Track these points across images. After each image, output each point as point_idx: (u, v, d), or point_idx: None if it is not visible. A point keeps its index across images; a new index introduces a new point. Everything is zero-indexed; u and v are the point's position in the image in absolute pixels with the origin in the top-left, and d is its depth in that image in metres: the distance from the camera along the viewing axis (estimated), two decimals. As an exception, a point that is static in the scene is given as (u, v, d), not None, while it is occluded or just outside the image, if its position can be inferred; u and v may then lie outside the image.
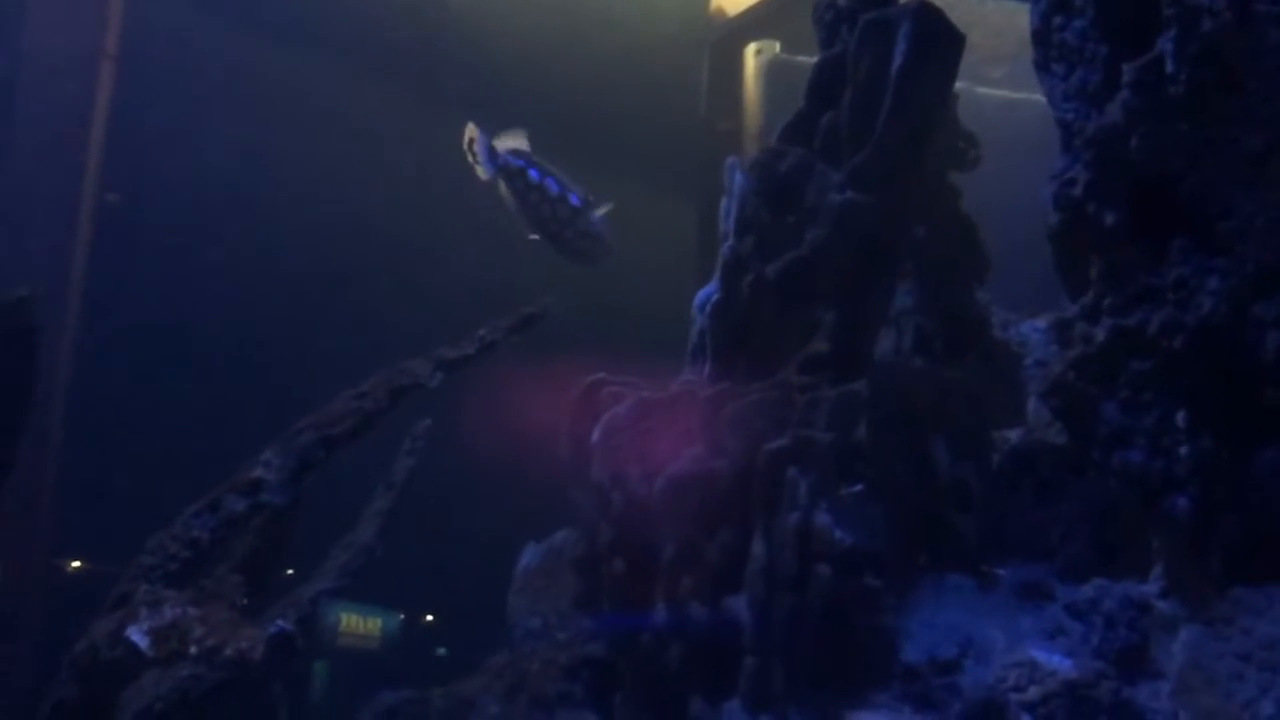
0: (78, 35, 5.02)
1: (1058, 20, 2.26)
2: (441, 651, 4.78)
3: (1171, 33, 2.00)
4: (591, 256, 2.94)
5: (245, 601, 2.09)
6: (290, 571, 2.84)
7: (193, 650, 1.82)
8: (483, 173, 2.97)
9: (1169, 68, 2.01)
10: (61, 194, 4.97)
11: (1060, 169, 2.23)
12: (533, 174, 2.94)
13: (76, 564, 5.09)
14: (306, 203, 6.04)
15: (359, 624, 4.34)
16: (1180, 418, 2.04)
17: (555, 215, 2.90)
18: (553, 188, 2.94)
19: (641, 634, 2.26)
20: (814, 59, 2.63)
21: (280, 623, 1.82)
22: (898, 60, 2.32)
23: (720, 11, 5.95)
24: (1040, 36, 2.31)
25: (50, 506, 4.65)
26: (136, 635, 1.87)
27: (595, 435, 2.34)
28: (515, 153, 2.96)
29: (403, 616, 4.59)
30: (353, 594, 3.26)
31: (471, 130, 2.99)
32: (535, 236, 2.93)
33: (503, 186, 2.99)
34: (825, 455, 2.19)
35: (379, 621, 4.43)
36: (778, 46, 5.73)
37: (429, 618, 5.12)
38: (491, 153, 2.97)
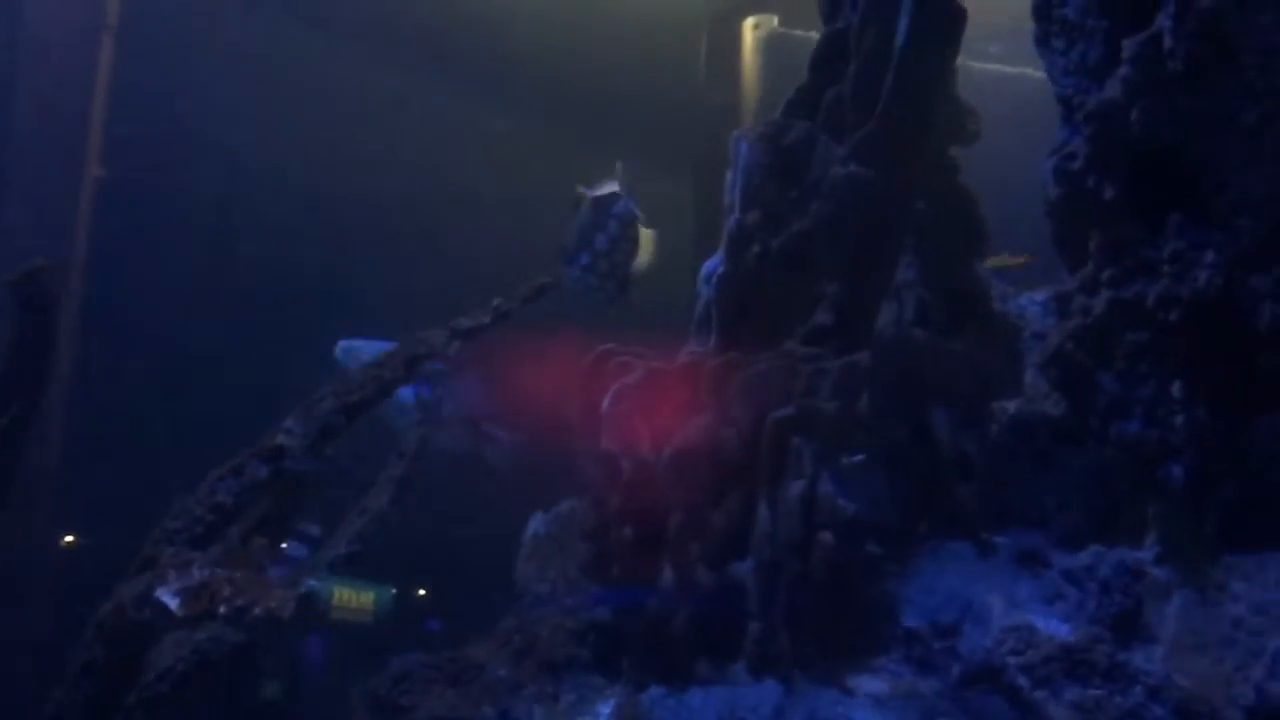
0: (78, 8, 5.01)
1: (1059, -3, 2.28)
2: (434, 625, 4.80)
3: (1170, 9, 2.03)
4: (609, 298, 2.78)
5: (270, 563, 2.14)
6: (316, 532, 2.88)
7: (222, 610, 1.87)
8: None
9: (1167, 43, 2.03)
10: (62, 165, 4.98)
11: (1060, 143, 2.26)
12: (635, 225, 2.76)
13: (70, 539, 5.11)
14: (308, 175, 6.04)
15: (352, 598, 4.36)
16: (1176, 388, 2.08)
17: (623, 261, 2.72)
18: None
19: (649, 599, 2.30)
20: (811, 33, 2.65)
21: (310, 582, 1.86)
22: (901, 35, 2.35)
23: (719, -15, 5.96)
24: (1041, 12, 2.33)
25: (55, 477, 4.69)
26: (167, 596, 1.92)
27: (604, 405, 2.37)
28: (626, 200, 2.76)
29: (395, 591, 4.61)
30: (346, 568, 3.29)
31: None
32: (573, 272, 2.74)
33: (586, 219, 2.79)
34: (829, 425, 2.23)
35: (372, 595, 4.45)
36: (775, 21, 5.75)
37: (421, 592, 5.14)
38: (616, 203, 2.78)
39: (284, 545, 2.83)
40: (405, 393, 3.18)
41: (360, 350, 3.14)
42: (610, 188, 2.65)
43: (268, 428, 2.47)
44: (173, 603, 1.89)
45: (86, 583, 2.62)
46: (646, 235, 2.62)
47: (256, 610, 1.81)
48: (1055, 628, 2.09)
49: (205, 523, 2.29)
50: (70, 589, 4.41)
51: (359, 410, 2.44)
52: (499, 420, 3.74)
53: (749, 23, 5.80)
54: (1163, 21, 2.05)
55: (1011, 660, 2.05)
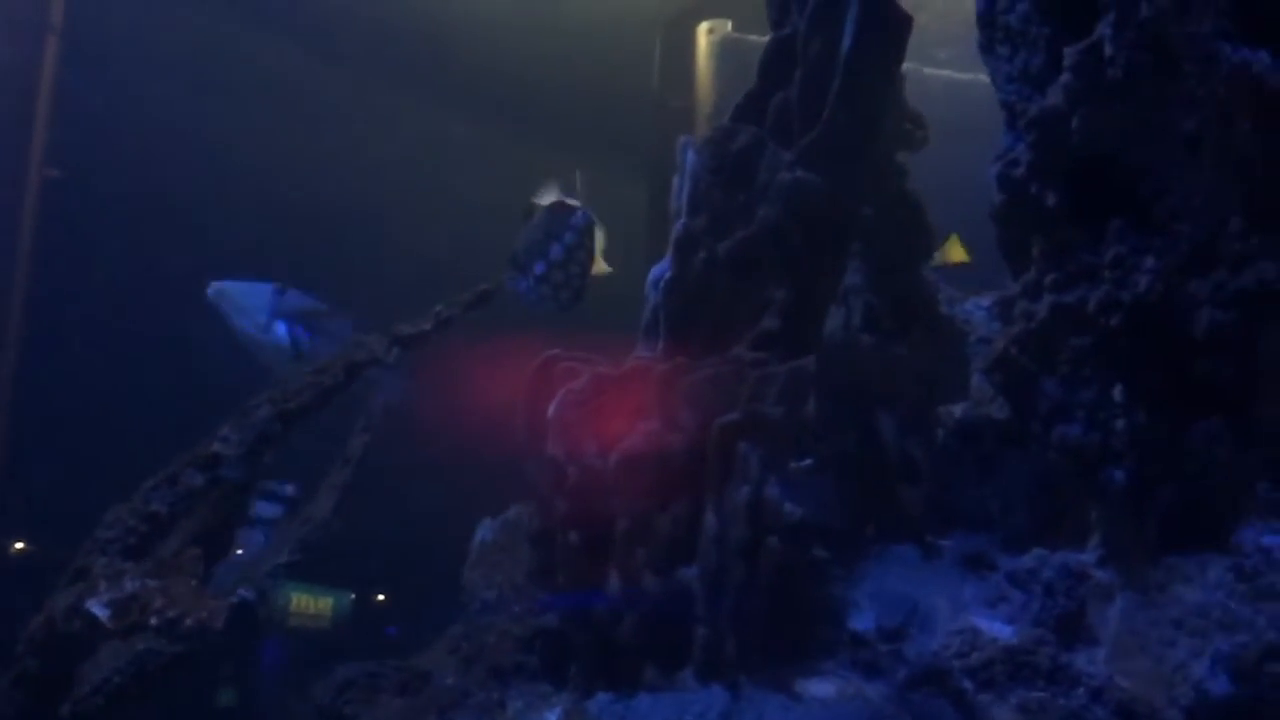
0: (22, 9, 4.94)
1: (1002, 4, 2.30)
2: (392, 630, 4.77)
3: (1111, 17, 2.05)
4: (560, 308, 2.74)
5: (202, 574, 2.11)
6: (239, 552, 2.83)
7: (153, 621, 1.84)
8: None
9: (1108, 51, 2.05)
10: (6, 168, 4.91)
11: (1003, 150, 2.28)
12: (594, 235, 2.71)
13: (20, 546, 5.03)
14: (257, 176, 5.98)
15: (309, 604, 4.32)
16: (1117, 392, 2.10)
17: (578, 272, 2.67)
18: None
19: (596, 605, 2.29)
20: (765, 38, 2.65)
21: (242, 592, 1.84)
22: (847, 42, 2.36)
23: (673, -10, 5.97)
24: (985, 20, 2.34)
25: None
26: (97, 607, 1.88)
27: (551, 410, 2.36)
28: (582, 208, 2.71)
29: (353, 596, 4.58)
30: (303, 573, 3.25)
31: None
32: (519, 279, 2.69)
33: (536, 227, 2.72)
34: (776, 429, 2.23)
35: (330, 601, 4.42)
36: (729, 25, 5.75)
37: (380, 597, 5.11)
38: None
39: (254, 508, 2.77)
40: (280, 331, 3.11)
41: (232, 292, 3.07)
42: (562, 197, 2.62)
43: (205, 432, 2.44)
44: (103, 614, 1.86)
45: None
46: (600, 245, 2.60)
47: (188, 622, 1.78)
48: (999, 630, 2.10)
49: (139, 532, 2.25)
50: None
51: (297, 418, 2.41)
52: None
53: (703, 27, 5.81)
54: (1103, 30, 2.07)
55: (956, 663, 2.06)
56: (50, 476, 4.94)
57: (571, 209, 2.59)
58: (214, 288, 3.11)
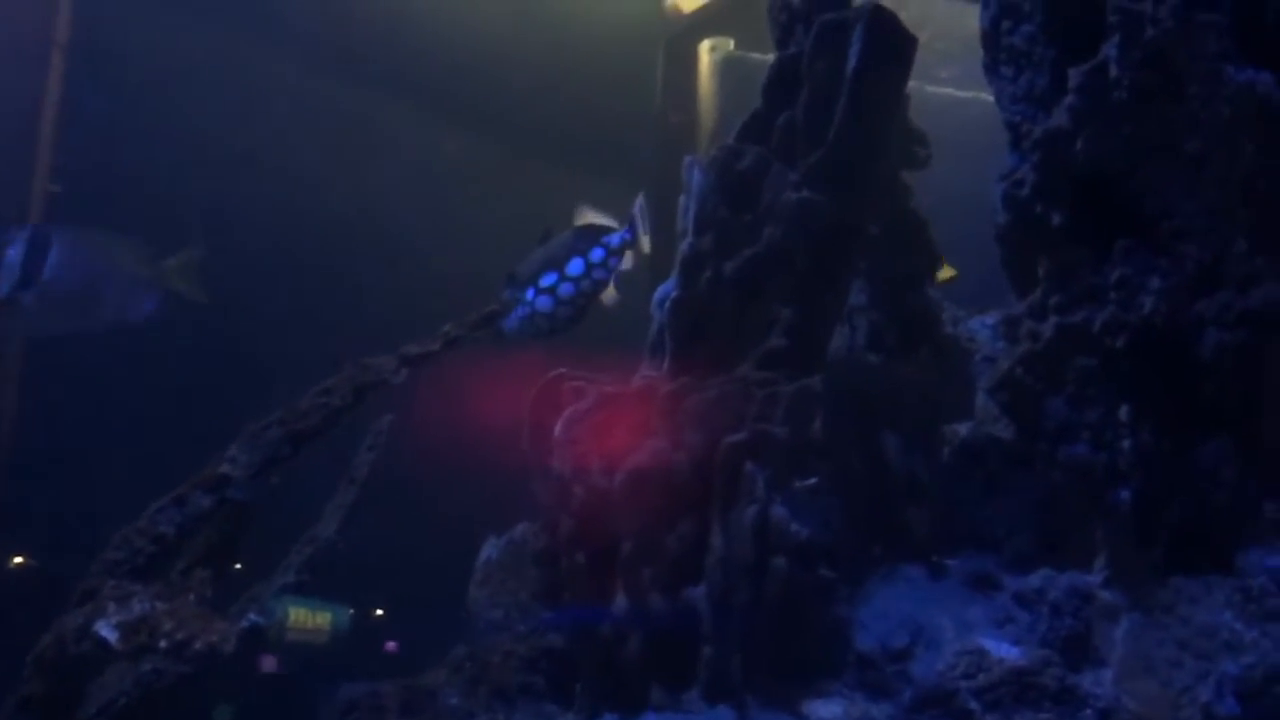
0: (27, 24, 4.96)
1: (1006, 24, 2.31)
2: (391, 646, 4.77)
3: (1116, 38, 2.06)
4: (552, 326, 2.68)
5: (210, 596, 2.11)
6: (238, 566, 2.83)
7: (162, 644, 1.83)
8: (647, 244, 2.64)
9: (1113, 72, 2.06)
10: (10, 183, 4.92)
11: (1008, 169, 2.29)
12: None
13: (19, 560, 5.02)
14: (261, 194, 5.98)
15: (308, 618, 4.32)
16: (1123, 413, 2.10)
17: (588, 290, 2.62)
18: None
19: (602, 625, 2.29)
20: (767, 56, 2.66)
21: (252, 615, 1.84)
22: (852, 62, 2.37)
23: (675, 9, 5.99)
24: (989, 40, 2.36)
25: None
26: (105, 630, 1.88)
27: (557, 429, 2.36)
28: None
29: (352, 611, 4.57)
30: (305, 588, 3.24)
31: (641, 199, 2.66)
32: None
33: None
34: (782, 449, 2.23)
35: (328, 616, 4.41)
36: (731, 44, 5.78)
37: (379, 612, 5.11)
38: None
39: None
40: (13, 253, 3.06)
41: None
42: (601, 219, 2.60)
43: (215, 452, 2.44)
44: (111, 636, 1.86)
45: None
46: (624, 267, 2.58)
47: (197, 645, 1.78)
48: (1006, 651, 2.10)
49: (147, 554, 2.26)
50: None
51: (307, 439, 2.41)
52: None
53: (705, 45, 5.83)
54: (1108, 51, 2.08)
55: (963, 684, 2.06)
56: (50, 490, 4.95)
57: (609, 229, 2.57)
58: None
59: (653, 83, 5.93)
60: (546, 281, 2.55)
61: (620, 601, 2.28)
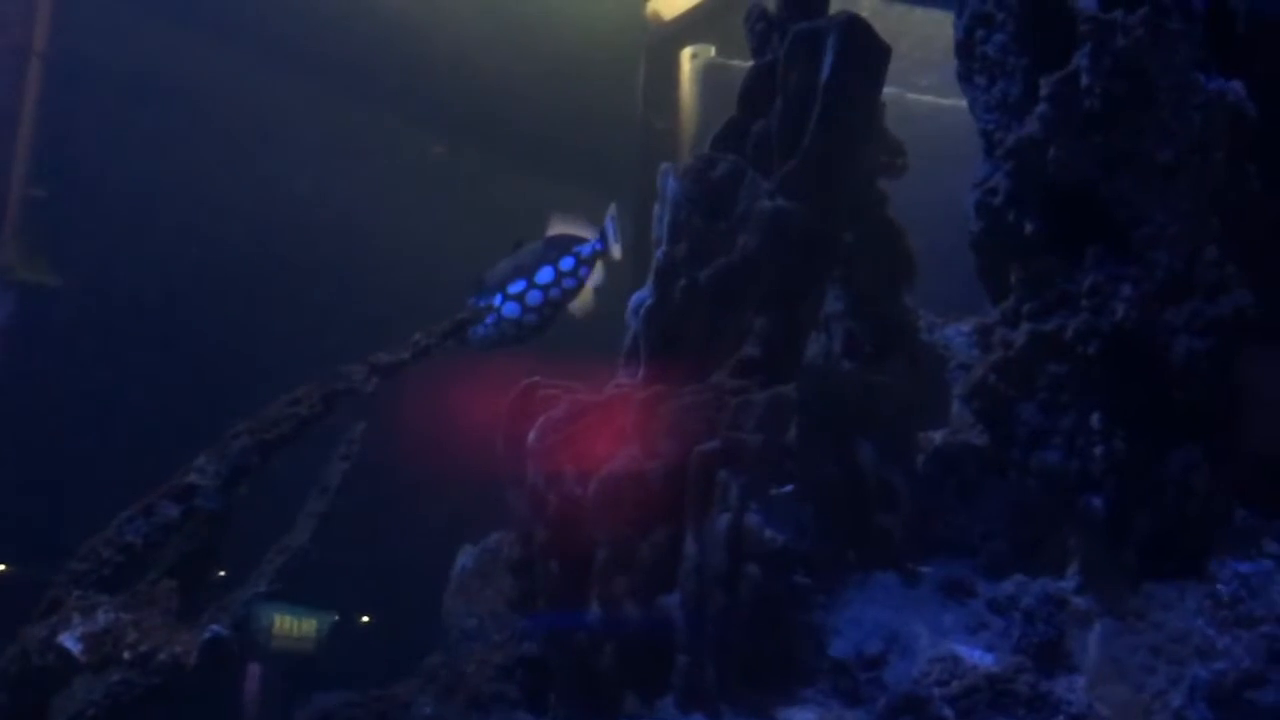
0: (5, 32, 4.95)
1: (980, 34, 2.32)
2: (376, 649, 4.76)
3: (1087, 48, 2.07)
4: (520, 334, 2.67)
5: (178, 607, 2.09)
6: (222, 574, 2.82)
7: (126, 656, 1.82)
8: (618, 252, 2.70)
9: (1084, 81, 2.07)
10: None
11: (982, 178, 2.30)
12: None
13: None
14: (239, 202, 5.97)
15: (293, 626, 4.30)
16: (1095, 419, 2.11)
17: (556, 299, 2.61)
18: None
19: (576, 633, 2.28)
20: (749, 63, 2.67)
21: (214, 627, 1.82)
22: (825, 71, 2.37)
23: (657, 15, 5.99)
24: (963, 49, 2.37)
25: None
26: (69, 641, 1.86)
27: (531, 437, 2.36)
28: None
29: (337, 618, 4.56)
30: (288, 595, 3.23)
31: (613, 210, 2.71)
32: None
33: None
34: (756, 457, 2.23)
35: (313, 623, 4.40)
36: (713, 50, 5.79)
37: (364, 619, 5.10)
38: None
39: None
40: None
41: None
42: (575, 229, 2.59)
43: (181, 462, 2.43)
44: (75, 648, 1.84)
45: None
46: (596, 279, 2.57)
47: (161, 656, 1.77)
48: (980, 657, 2.11)
49: (113, 564, 2.24)
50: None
51: (275, 448, 2.40)
52: None
53: (687, 52, 5.84)
54: (1080, 60, 2.09)
55: (937, 690, 2.06)
56: (24, 495, 4.92)
57: (582, 239, 2.56)
58: None
59: (634, 90, 5.93)
60: (515, 288, 2.54)
61: (595, 609, 2.27)
